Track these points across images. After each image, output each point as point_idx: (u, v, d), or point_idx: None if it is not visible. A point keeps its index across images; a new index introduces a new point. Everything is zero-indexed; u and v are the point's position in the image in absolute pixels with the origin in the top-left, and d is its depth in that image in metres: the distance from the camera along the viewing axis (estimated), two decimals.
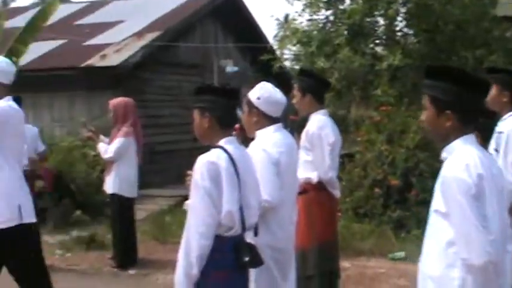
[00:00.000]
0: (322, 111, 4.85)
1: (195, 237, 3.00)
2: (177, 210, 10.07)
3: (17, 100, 4.52)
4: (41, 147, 7.84)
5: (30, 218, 4.22)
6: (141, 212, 7.98)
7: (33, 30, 10.47)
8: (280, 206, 3.63)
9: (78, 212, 9.12)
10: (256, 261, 3.16)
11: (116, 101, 7.18)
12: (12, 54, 10.22)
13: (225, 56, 14.97)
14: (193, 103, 3.30)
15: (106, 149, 7.02)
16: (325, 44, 11.18)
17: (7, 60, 4.36)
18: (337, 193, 4.93)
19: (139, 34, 13.08)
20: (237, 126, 3.63)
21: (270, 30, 38.44)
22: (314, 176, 4.70)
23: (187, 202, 4.63)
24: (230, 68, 13.29)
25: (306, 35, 11.44)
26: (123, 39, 12.87)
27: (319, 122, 4.74)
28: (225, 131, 3.19)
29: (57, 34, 13.50)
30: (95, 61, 11.97)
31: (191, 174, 3.21)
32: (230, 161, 3.06)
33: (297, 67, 12.02)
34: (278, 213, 3.64)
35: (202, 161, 3.06)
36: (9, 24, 11.16)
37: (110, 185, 7.06)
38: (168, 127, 12.94)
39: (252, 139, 3.79)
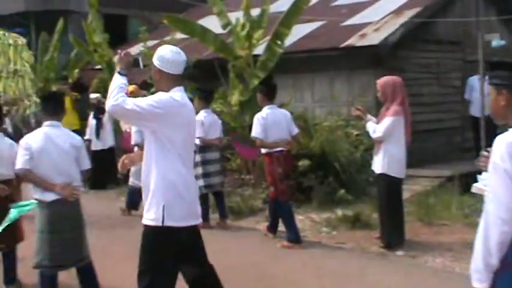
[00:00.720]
0: None
1: (496, 223, 2.77)
2: (441, 191, 9.75)
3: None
4: (295, 131, 7.78)
5: (175, 221, 3.97)
6: (405, 192, 7.81)
7: (295, 13, 10.85)
8: None
9: (342, 191, 9.24)
10: None
11: (384, 80, 7.10)
12: (277, 37, 10.72)
13: (488, 30, 14.02)
14: (489, 80, 3.07)
15: (374, 128, 6.99)
16: None
17: (176, 49, 4.17)
18: None
19: (398, 12, 12.81)
20: None
21: None
22: None
23: (476, 185, 4.41)
24: (496, 42, 12.39)
25: None
26: (382, 18, 12.72)
27: None
28: None
29: (315, 16, 13.81)
30: (355, 41, 11.99)
31: (484, 155, 2.99)
32: None
33: None
34: None
35: (501, 142, 2.82)
36: (273, 8, 11.68)
37: (379, 164, 7.01)
38: (427, 106, 12.53)
39: None
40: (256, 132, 7.44)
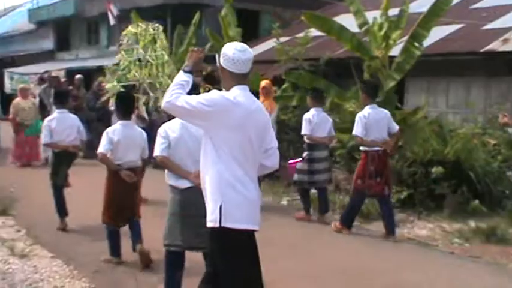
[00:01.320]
0: None
1: None
2: None
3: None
4: (395, 128, 7.87)
5: (233, 222, 3.80)
6: None
7: (435, 14, 10.53)
8: None
9: (475, 202, 8.85)
10: None
11: None
12: (415, 39, 10.45)
13: None
14: None
15: None
16: None
17: (242, 47, 3.93)
18: None
19: None
20: None
21: None
22: None
23: None
24: None
25: None
26: None
27: None
28: None
29: (453, 18, 13.35)
30: (496, 46, 11.48)
31: None
32: None
33: None
34: None
35: None
36: (411, 8, 11.39)
37: None
38: None
39: None
40: (357, 130, 7.72)
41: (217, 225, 3.80)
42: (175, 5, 19.01)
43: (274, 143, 4.15)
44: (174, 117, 4.96)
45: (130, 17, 16.50)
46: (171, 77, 12.90)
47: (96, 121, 13.83)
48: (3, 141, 15.80)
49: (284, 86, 12.66)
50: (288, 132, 11.56)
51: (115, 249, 6.55)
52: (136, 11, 17.21)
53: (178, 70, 13.25)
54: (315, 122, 8.58)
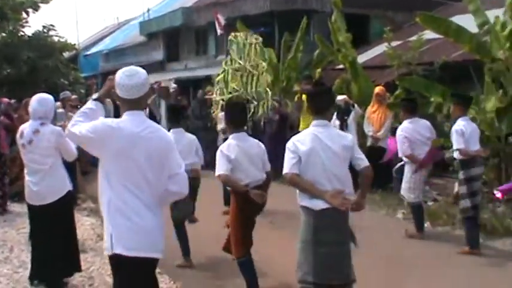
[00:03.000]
0: None
1: None
2: None
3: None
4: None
5: (124, 250, 3.74)
6: None
7: None
8: None
9: None
10: None
11: None
12: None
13: None
14: None
15: None
16: None
17: (130, 72, 3.83)
18: None
19: None
20: None
21: None
22: None
23: None
24: None
25: None
26: None
27: None
28: None
29: None
30: None
31: None
32: None
33: None
34: None
35: None
36: None
37: None
38: None
39: None
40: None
41: (110, 252, 3.79)
42: (282, 12, 18.85)
43: (180, 168, 3.98)
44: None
45: (241, 24, 16.54)
46: (268, 88, 12.86)
47: (202, 130, 13.92)
48: None
49: (397, 92, 12.13)
50: None
51: (255, 282, 5.85)
52: (241, 19, 17.25)
53: (288, 78, 13.29)
54: (468, 133, 7.52)
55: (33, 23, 39.62)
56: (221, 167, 5.62)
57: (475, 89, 10.47)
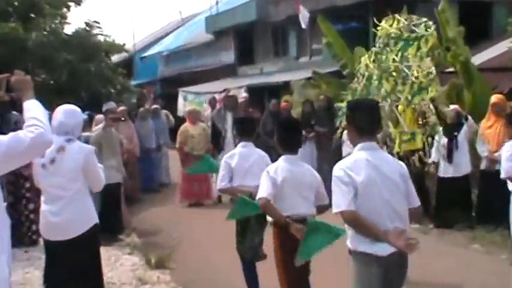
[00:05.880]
0: None
1: None
2: None
3: None
4: None
5: None
6: None
7: None
8: None
9: None
10: None
11: None
12: None
13: None
14: None
15: None
16: None
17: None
18: None
19: None
20: None
21: None
22: None
23: None
24: None
25: None
26: None
27: None
28: None
29: None
30: None
31: None
32: None
33: None
34: None
35: None
36: None
37: None
38: None
39: None
40: None
41: None
42: (379, 2, 18.55)
43: None
44: None
45: (324, 20, 16.35)
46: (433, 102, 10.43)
47: (275, 151, 13.43)
48: (173, 175, 16.19)
49: None
50: None
51: None
52: (328, 12, 17.04)
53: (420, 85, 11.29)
54: None
55: (74, 20, 40.52)
56: (264, 191, 5.60)
57: None
